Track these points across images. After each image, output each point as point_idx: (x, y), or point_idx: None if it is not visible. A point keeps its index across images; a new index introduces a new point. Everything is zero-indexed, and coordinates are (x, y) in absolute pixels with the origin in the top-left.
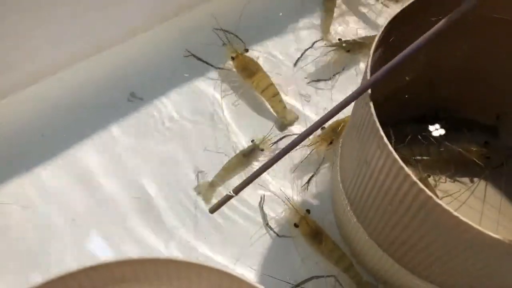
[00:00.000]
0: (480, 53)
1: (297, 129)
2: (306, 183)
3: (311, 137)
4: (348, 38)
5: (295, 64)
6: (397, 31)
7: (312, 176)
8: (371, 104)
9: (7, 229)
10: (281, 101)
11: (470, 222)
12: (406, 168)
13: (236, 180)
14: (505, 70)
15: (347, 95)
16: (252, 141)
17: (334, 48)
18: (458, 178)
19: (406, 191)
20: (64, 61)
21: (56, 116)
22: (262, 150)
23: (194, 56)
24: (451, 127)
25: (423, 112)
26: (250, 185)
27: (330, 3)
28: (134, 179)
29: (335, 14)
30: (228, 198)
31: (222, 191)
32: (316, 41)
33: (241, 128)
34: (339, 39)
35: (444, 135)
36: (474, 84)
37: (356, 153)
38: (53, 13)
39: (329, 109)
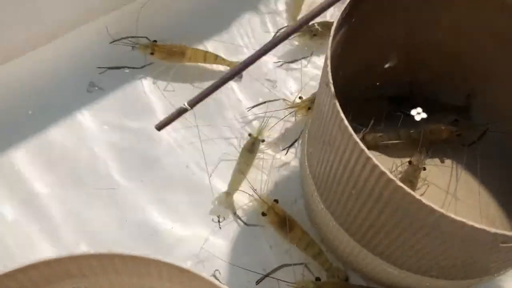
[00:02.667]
0: (457, 29)
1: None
2: (287, 147)
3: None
4: (313, 22)
5: None
6: (357, 10)
7: (295, 141)
8: (331, 86)
9: None
10: (224, 58)
11: (433, 205)
12: (366, 151)
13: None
14: (478, 48)
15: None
16: (250, 135)
17: (299, 33)
18: (430, 160)
19: (368, 175)
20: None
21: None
22: (263, 140)
23: (111, 68)
24: (422, 109)
25: (395, 91)
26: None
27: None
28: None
29: None
30: (181, 111)
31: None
32: (282, 28)
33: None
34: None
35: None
36: (447, 64)
37: (320, 135)
38: None
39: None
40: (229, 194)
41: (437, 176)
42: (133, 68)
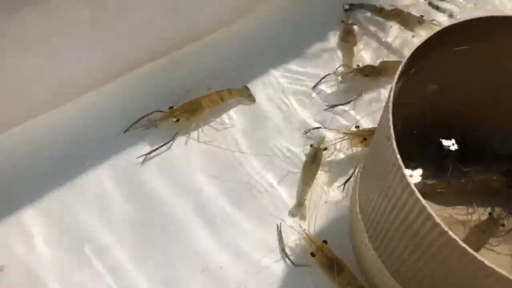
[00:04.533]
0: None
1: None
2: (343, 184)
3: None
4: (367, 64)
5: (313, 88)
6: (418, 62)
7: (347, 180)
8: (394, 141)
9: None
10: (235, 89)
11: (495, 268)
12: (428, 208)
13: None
14: None
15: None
16: (311, 145)
17: (352, 73)
18: (476, 209)
19: (428, 231)
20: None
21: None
22: (325, 149)
23: (149, 153)
24: (471, 156)
25: (447, 136)
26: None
27: (351, 37)
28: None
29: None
30: None
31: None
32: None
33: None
34: (357, 65)
35: (464, 165)
36: (502, 113)
37: (376, 185)
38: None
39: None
40: (301, 204)
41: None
42: (167, 143)
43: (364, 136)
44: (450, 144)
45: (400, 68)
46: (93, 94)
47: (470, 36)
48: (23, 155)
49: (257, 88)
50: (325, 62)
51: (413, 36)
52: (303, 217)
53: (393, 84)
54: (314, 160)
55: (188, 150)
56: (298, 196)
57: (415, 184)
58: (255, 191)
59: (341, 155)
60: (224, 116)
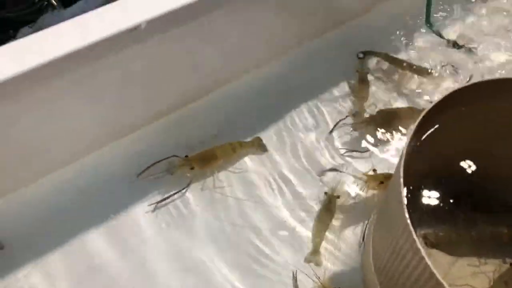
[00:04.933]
0: None
1: None
2: (362, 240)
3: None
4: (380, 109)
5: (330, 133)
6: (431, 121)
7: (363, 238)
8: (405, 208)
9: None
10: (246, 141)
11: None
12: (438, 276)
13: None
14: None
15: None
16: (326, 193)
17: (363, 123)
18: (488, 260)
19: None
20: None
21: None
22: (338, 197)
23: (161, 201)
24: (481, 207)
25: (458, 188)
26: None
27: (364, 85)
28: None
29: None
30: None
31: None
32: (347, 117)
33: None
34: (370, 114)
35: (473, 215)
36: (508, 166)
37: (388, 242)
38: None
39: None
40: (315, 251)
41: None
42: (181, 190)
43: (381, 180)
44: (462, 195)
45: (411, 132)
46: (112, 146)
47: (481, 96)
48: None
49: (271, 136)
50: (340, 108)
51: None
52: (318, 264)
53: (404, 150)
54: (328, 208)
55: (203, 198)
56: (313, 243)
57: (427, 234)
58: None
59: (356, 201)
60: (238, 164)
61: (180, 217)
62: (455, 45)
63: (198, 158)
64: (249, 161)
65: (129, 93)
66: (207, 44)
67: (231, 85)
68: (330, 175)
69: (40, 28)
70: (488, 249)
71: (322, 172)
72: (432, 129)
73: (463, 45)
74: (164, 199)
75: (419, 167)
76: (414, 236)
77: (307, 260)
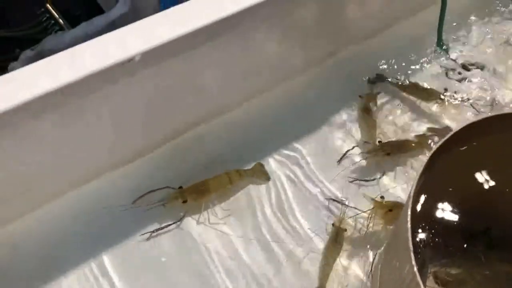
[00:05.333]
0: None
1: None
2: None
3: None
4: (388, 140)
5: (338, 162)
6: (439, 158)
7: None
8: (412, 255)
9: None
10: (245, 170)
11: None
12: None
13: None
14: None
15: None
16: (333, 224)
17: (373, 153)
18: None
19: None
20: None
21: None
22: (346, 230)
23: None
24: (496, 245)
25: (471, 225)
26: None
27: (371, 111)
28: None
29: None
30: None
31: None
32: (353, 147)
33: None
34: (378, 141)
35: (488, 253)
36: None
37: (395, 282)
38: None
39: None
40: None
41: None
42: (174, 223)
43: (389, 208)
44: (477, 231)
45: (423, 166)
46: (106, 177)
47: (495, 128)
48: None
49: (273, 163)
50: (346, 135)
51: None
52: None
53: (412, 191)
54: (335, 242)
55: (198, 231)
56: (320, 279)
57: (437, 272)
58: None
59: (362, 233)
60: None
61: (172, 250)
62: (464, 67)
63: (192, 190)
64: (250, 190)
65: (123, 125)
66: (205, 73)
67: (232, 113)
68: (334, 206)
69: (42, 50)
70: None
71: (329, 199)
72: (445, 161)
73: (474, 66)
74: (157, 229)
75: (432, 201)
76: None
77: None
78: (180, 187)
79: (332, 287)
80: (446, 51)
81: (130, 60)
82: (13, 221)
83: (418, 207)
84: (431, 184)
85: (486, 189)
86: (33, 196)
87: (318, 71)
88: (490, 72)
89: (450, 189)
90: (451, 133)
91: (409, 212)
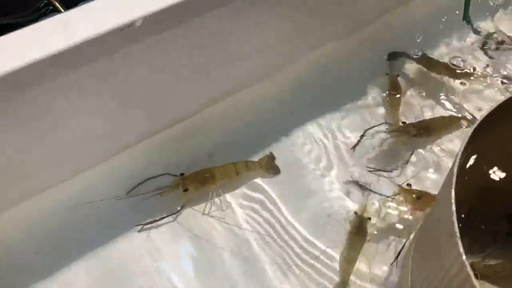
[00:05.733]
0: None
1: None
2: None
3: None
4: (413, 121)
5: (353, 148)
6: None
7: (398, 256)
8: (459, 240)
9: None
10: (253, 161)
11: None
12: None
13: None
14: None
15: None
16: (355, 213)
17: (396, 133)
18: None
19: None
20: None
21: None
22: (370, 218)
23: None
24: None
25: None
26: None
27: (396, 90)
28: None
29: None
30: None
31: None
32: (374, 126)
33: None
34: (403, 122)
35: None
36: None
37: (432, 276)
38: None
39: None
40: (344, 283)
41: None
42: (172, 214)
43: (418, 195)
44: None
45: (463, 142)
46: (102, 165)
47: None
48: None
49: (287, 148)
50: (366, 118)
51: (462, 84)
52: None
53: (455, 168)
54: (358, 232)
55: (196, 224)
56: (341, 273)
57: (475, 263)
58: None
59: (388, 223)
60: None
61: (168, 243)
62: (493, 43)
63: (194, 178)
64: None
65: (124, 104)
66: (212, 46)
67: (244, 95)
68: (355, 194)
69: None
70: None
71: (351, 181)
72: (483, 142)
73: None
74: (153, 221)
75: (470, 185)
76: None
77: None
78: (182, 174)
79: (356, 283)
80: (470, 23)
81: (130, 26)
82: (3, 212)
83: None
84: (471, 164)
85: None
86: (22, 188)
87: (334, 49)
88: None
89: (492, 168)
90: (497, 104)
91: (453, 194)
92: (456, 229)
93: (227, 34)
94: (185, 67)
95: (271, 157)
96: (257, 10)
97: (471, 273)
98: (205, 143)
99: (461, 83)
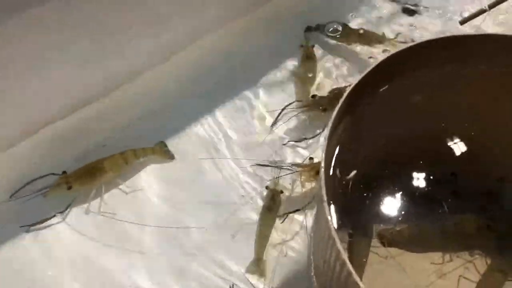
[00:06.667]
0: (482, 112)
1: None
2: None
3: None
4: (324, 94)
5: (272, 126)
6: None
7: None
8: (326, 207)
9: None
10: (144, 148)
11: None
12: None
13: None
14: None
15: None
16: (267, 187)
17: (307, 108)
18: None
19: None
20: None
21: None
22: (282, 192)
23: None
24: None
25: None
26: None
27: (310, 63)
28: None
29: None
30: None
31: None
32: (289, 104)
33: None
34: (313, 96)
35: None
36: (473, 151)
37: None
38: None
39: None
40: (259, 259)
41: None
42: (58, 214)
43: (317, 169)
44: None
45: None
46: None
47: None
48: None
49: (188, 136)
50: (282, 93)
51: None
52: (262, 275)
53: (326, 136)
54: (271, 206)
55: (87, 223)
56: (256, 250)
57: (382, 231)
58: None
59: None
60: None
61: (55, 245)
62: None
63: (79, 174)
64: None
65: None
66: (96, 29)
67: (137, 82)
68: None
69: None
70: (454, 243)
71: (256, 164)
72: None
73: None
74: (38, 222)
75: (371, 152)
76: (338, 245)
77: (249, 271)
78: (64, 172)
79: (270, 258)
80: None
81: None
82: None
83: (349, 157)
84: (363, 127)
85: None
86: None
87: (247, 25)
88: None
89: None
90: (365, 72)
91: (322, 170)
92: (333, 230)
93: (112, 11)
94: (69, 53)
95: (164, 144)
96: None
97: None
98: (99, 135)
99: (382, 50)
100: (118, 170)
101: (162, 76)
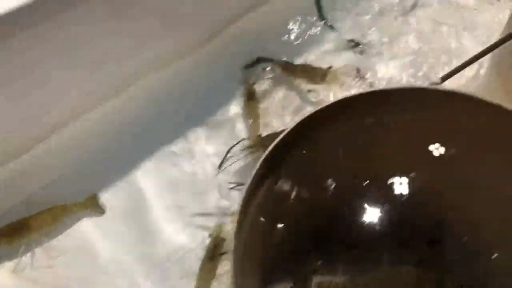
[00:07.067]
0: None
1: None
2: None
3: None
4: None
5: (219, 167)
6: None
7: None
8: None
9: None
10: (75, 203)
11: None
12: None
13: None
14: None
15: None
16: (210, 235)
17: (252, 148)
18: None
19: None
20: None
21: None
22: (224, 240)
23: None
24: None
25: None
26: None
27: (252, 103)
28: None
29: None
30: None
31: None
32: (235, 144)
33: None
34: (258, 135)
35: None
36: None
37: None
38: None
39: None
40: None
41: None
42: None
43: None
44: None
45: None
46: None
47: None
48: None
49: (125, 186)
50: (228, 133)
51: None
52: None
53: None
54: (213, 254)
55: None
56: None
57: (320, 283)
58: None
59: None
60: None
61: None
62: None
63: (4, 231)
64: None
65: None
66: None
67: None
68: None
69: None
70: None
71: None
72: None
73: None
74: None
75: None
76: None
77: None
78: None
79: None
80: (327, 23)
81: None
82: None
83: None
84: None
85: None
86: None
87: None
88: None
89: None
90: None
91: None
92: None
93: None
94: None
95: (95, 197)
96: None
97: None
98: (23, 190)
99: (321, 84)
100: (47, 227)
101: (95, 124)
